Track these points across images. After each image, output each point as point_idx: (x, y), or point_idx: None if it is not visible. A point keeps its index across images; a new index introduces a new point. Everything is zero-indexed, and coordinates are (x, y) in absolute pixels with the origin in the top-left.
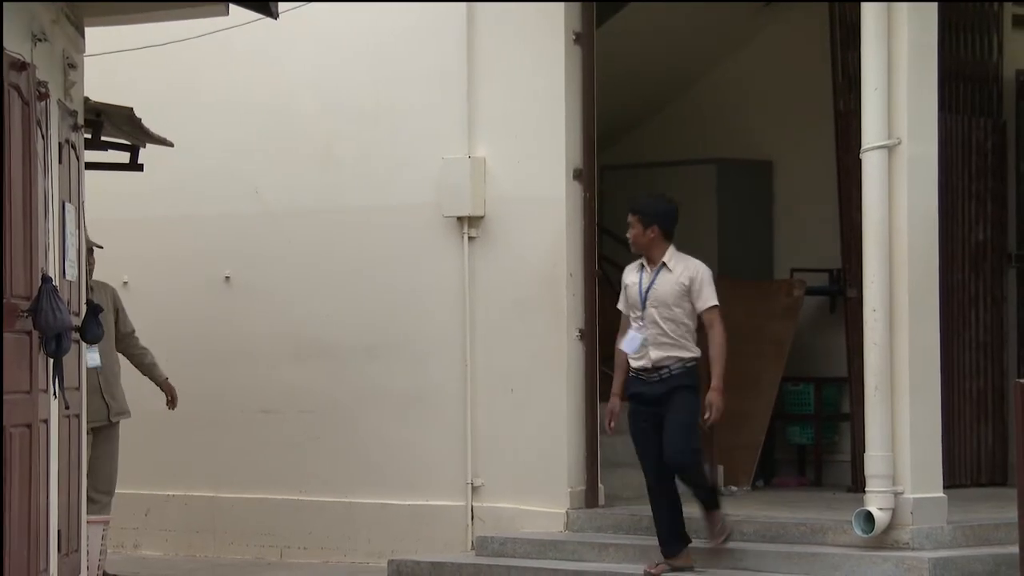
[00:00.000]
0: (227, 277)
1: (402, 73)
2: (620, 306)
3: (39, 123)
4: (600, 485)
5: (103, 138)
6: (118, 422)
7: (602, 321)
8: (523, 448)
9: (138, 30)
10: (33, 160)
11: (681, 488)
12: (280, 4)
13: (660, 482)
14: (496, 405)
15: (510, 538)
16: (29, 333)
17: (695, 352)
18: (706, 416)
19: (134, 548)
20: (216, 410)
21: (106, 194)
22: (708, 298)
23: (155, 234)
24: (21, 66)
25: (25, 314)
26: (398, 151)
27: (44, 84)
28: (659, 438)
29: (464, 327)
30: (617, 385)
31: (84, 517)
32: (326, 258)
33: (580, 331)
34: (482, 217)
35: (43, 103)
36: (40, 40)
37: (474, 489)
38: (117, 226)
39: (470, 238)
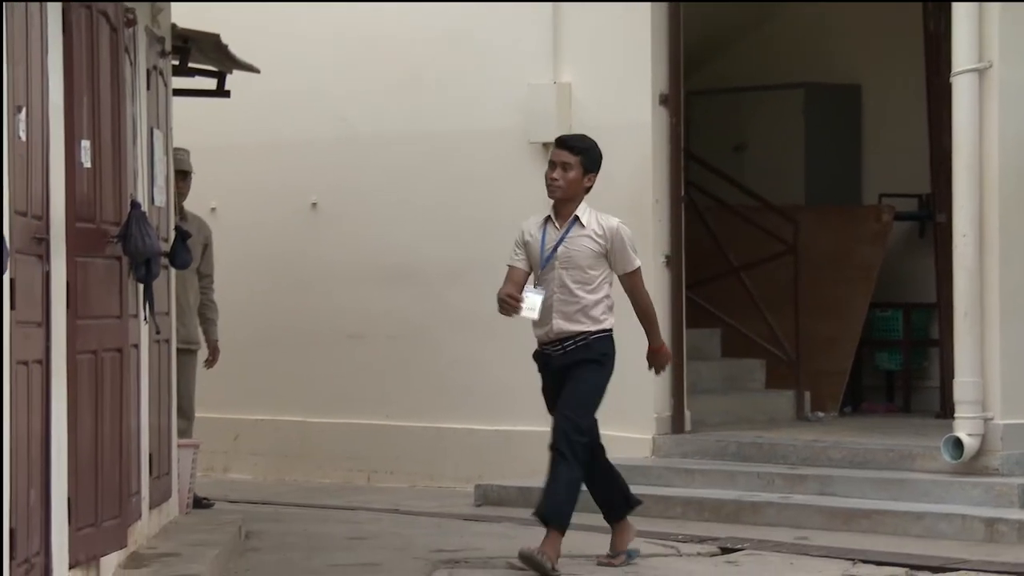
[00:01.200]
0: (314, 203)
1: None
2: (517, 263)
3: (127, 49)
4: (686, 411)
5: (190, 64)
6: (192, 351)
7: (688, 247)
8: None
9: None
10: (121, 86)
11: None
12: None
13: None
14: None
15: None
16: (119, 259)
17: (608, 324)
18: (652, 369)
19: (224, 472)
20: (304, 336)
21: (193, 121)
22: (631, 259)
23: (242, 161)
24: None
25: (115, 240)
26: (484, 77)
27: (132, 10)
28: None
29: None
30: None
31: (175, 441)
32: (412, 184)
33: (666, 257)
34: None
35: (131, 29)
36: None
37: None
38: (204, 153)
39: None
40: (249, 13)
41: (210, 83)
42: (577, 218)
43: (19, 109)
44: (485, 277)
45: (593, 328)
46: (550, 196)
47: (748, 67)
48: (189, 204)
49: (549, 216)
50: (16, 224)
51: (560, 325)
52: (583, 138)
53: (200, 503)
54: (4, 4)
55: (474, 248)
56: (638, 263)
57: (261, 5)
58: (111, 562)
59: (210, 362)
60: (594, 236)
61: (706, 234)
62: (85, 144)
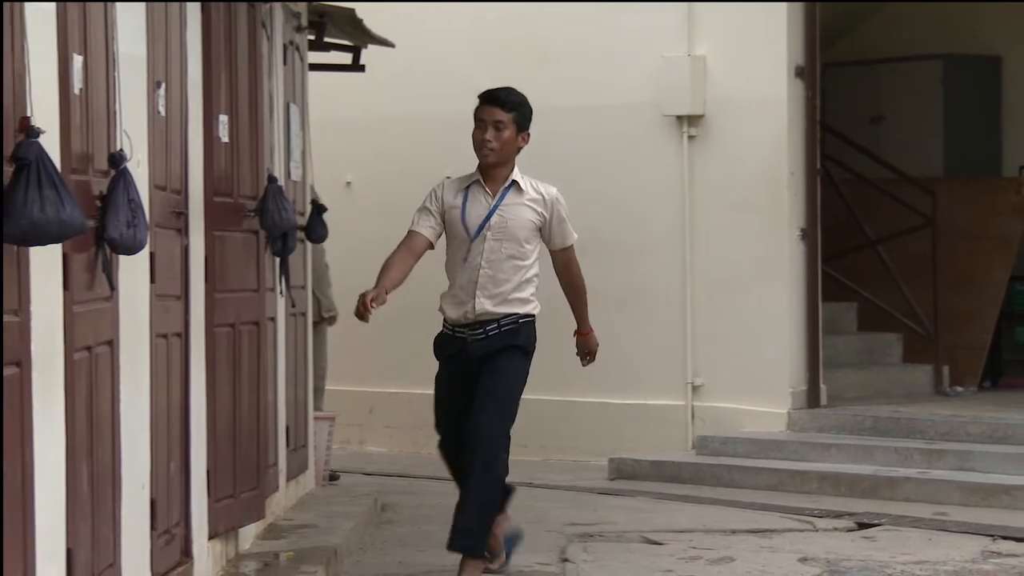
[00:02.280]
0: (447, 176)
1: None
2: (423, 229)
3: (264, 25)
4: (822, 385)
5: (326, 39)
6: (324, 320)
7: (824, 220)
8: (743, 348)
9: None
10: (258, 61)
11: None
12: None
13: (453, 441)
14: (715, 305)
15: (731, 438)
16: (256, 232)
17: (537, 308)
18: (585, 361)
19: (359, 444)
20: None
21: (329, 95)
22: (570, 231)
23: (376, 134)
24: None
25: (252, 214)
26: (617, 50)
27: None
28: (463, 411)
29: (683, 226)
30: (387, 280)
31: (311, 413)
32: (545, 158)
33: (802, 230)
34: (702, 116)
35: (267, 5)
36: None
37: (694, 389)
38: (340, 127)
39: (689, 137)
40: None
41: (345, 58)
42: (515, 183)
43: (159, 85)
44: (618, 251)
45: (522, 311)
46: (483, 161)
47: (885, 39)
48: (326, 179)
49: (475, 181)
50: (156, 198)
51: (484, 305)
52: (514, 92)
53: (330, 477)
54: None
55: (607, 222)
56: (575, 236)
57: None
58: (249, 533)
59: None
60: (532, 205)
61: (842, 207)
62: (223, 119)
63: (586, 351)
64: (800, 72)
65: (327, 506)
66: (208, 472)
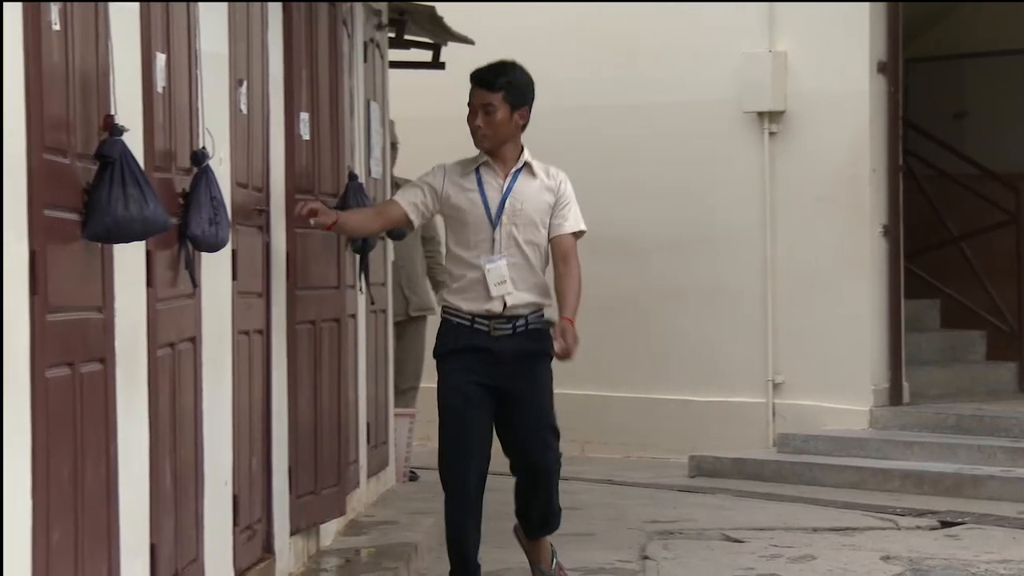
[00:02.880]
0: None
1: None
2: (403, 202)
3: (344, 22)
4: (904, 383)
5: (406, 37)
6: (421, 317)
7: (906, 217)
8: (824, 345)
9: None
10: (339, 59)
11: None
12: None
13: (473, 495)
14: (797, 301)
15: (812, 435)
16: None
17: (551, 301)
18: (559, 350)
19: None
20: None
21: (409, 92)
22: (578, 218)
23: (457, 133)
24: None
25: None
26: (698, 47)
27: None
28: (488, 425)
29: (764, 223)
30: (344, 213)
31: (392, 410)
32: (626, 155)
33: (884, 227)
34: (783, 112)
35: (348, 3)
36: None
37: (775, 386)
38: (420, 123)
39: (771, 133)
40: None
41: (425, 55)
42: (528, 165)
43: (240, 82)
44: (699, 248)
45: (545, 302)
46: (478, 147)
47: (968, 34)
48: (410, 176)
49: (484, 162)
50: (237, 196)
51: (516, 298)
52: (500, 68)
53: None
54: None
55: (687, 219)
56: (583, 225)
57: None
58: (330, 529)
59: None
60: (547, 186)
61: (925, 203)
62: (304, 116)
63: (566, 339)
64: (882, 67)
65: (408, 503)
66: (290, 469)
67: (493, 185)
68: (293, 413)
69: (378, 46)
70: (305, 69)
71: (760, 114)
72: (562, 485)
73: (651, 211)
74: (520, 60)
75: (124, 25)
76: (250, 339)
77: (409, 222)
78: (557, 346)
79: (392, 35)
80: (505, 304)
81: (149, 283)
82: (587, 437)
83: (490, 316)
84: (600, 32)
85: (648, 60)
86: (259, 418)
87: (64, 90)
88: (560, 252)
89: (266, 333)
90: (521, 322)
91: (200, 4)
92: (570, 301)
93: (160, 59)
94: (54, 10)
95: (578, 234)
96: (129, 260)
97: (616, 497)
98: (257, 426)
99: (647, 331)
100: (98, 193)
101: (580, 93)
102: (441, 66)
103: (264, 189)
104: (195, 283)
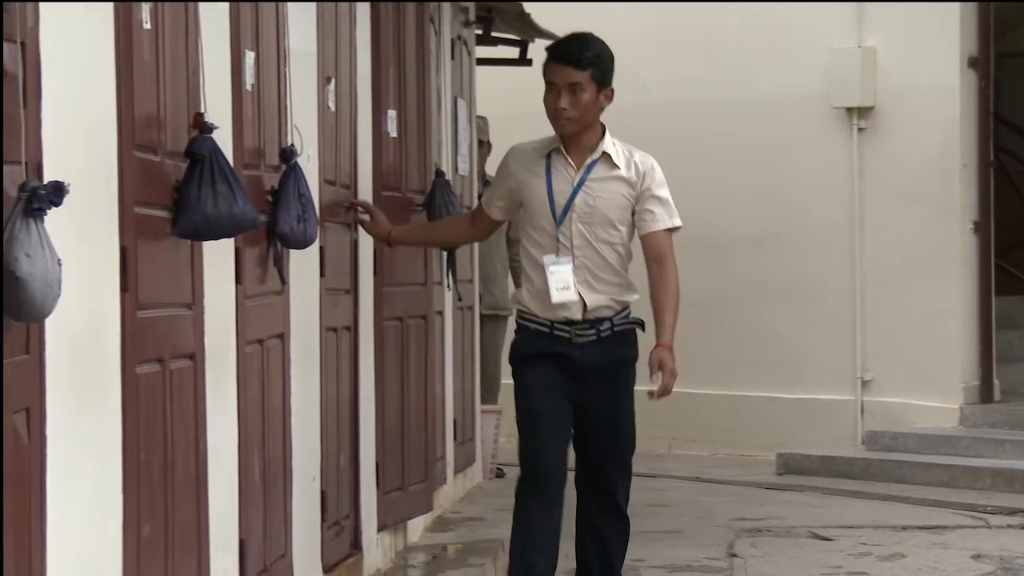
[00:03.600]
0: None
1: None
2: (493, 209)
3: (432, 20)
4: (995, 380)
5: (493, 34)
6: (497, 316)
7: (997, 213)
8: (914, 342)
9: None
10: (426, 57)
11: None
12: None
13: (554, 499)
14: (885, 298)
15: (901, 433)
16: None
17: (636, 292)
18: (655, 388)
19: None
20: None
21: (495, 89)
22: (670, 212)
23: (545, 129)
24: None
25: (420, 208)
26: (786, 42)
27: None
28: (567, 423)
29: (852, 219)
30: (400, 231)
31: (479, 407)
32: (713, 151)
33: (974, 223)
34: (872, 108)
35: (436, 1)
36: None
37: (863, 383)
38: (507, 121)
39: (859, 129)
40: None
41: (512, 52)
42: (606, 155)
43: (329, 80)
44: (785, 244)
45: (631, 297)
46: (560, 132)
47: None
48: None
49: (555, 148)
50: (325, 193)
51: (596, 301)
52: (586, 43)
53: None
54: None
55: (774, 215)
56: (678, 221)
57: None
58: (417, 525)
59: None
60: (626, 179)
61: (1017, 200)
62: (391, 114)
63: (659, 366)
64: (973, 63)
65: (494, 499)
66: (377, 464)
67: (564, 176)
68: (380, 409)
69: (465, 43)
70: (393, 67)
71: (849, 110)
72: (650, 482)
73: (737, 207)
74: None
75: (214, 23)
76: (338, 335)
77: (496, 224)
78: (655, 382)
79: (479, 32)
80: (585, 307)
81: (238, 280)
82: (674, 434)
83: (570, 322)
84: (685, 28)
85: (734, 56)
86: (347, 414)
87: (154, 88)
88: (652, 252)
89: (354, 329)
90: (606, 326)
91: (290, 3)
92: (667, 319)
93: (249, 57)
94: (145, 9)
95: (672, 230)
96: (218, 257)
97: (704, 494)
98: (345, 422)
99: (733, 328)
100: (188, 190)
101: (665, 90)
102: (528, 63)
103: (352, 186)
104: (284, 280)
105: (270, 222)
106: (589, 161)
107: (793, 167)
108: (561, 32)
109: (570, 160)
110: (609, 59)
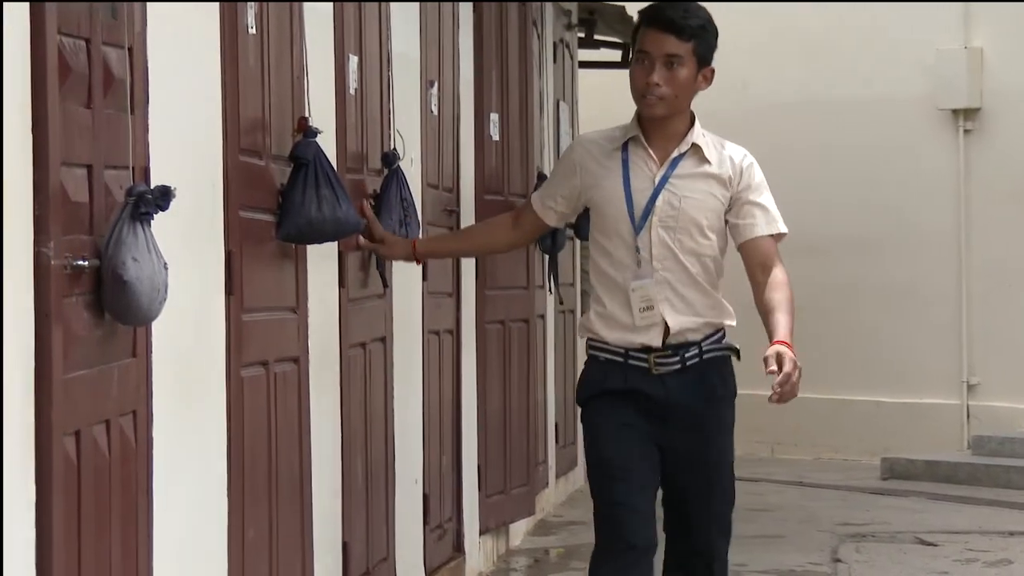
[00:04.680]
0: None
1: None
2: (546, 208)
3: (534, 23)
4: None
5: (596, 36)
6: None
7: None
8: (1022, 346)
9: None
10: (528, 59)
11: None
12: None
13: (642, 555)
14: (992, 301)
15: (1008, 438)
16: None
17: (732, 316)
18: (776, 387)
19: None
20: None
21: (598, 91)
22: (772, 215)
23: None
24: None
25: None
26: (889, 42)
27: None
28: (654, 475)
29: (958, 221)
30: (424, 244)
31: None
32: (814, 152)
33: None
34: (978, 109)
35: (538, 3)
36: None
37: (969, 387)
38: (610, 123)
39: (965, 131)
40: None
41: (615, 55)
42: (696, 148)
43: (431, 84)
44: (889, 246)
45: (724, 321)
46: (647, 112)
47: None
48: None
49: (632, 137)
50: (428, 196)
51: (679, 323)
52: (690, 9)
53: None
54: None
55: (878, 216)
56: (782, 226)
57: None
58: (519, 529)
59: None
60: (718, 176)
61: None
62: (494, 117)
63: (776, 359)
64: None
65: None
66: (479, 468)
67: (644, 172)
68: (483, 412)
69: (567, 46)
70: (495, 70)
71: (954, 111)
72: (752, 487)
73: (840, 210)
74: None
75: (318, 28)
76: (440, 339)
77: (543, 229)
78: (776, 382)
79: (582, 35)
80: (667, 331)
81: (341, 283)
82: (777, 438)
83: (649, 349)
84: (788, 26)
85: (837, 56)
86: (449, 417)
87: (259, 92)
88: (757, 260)
89: (456, 333)
90: (693, 351)
91: (393, 6)
92: (782, 319)
93: (353, 61)
94: (250, 14)
95: (778, 237)
96: (322, 261)
97: (807, 499)
98: (447, 425)
99: (836, 332)
100: (292, 194)
101: (766, 90)
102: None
103: (454, 190)
104: (386, 283)
105: None
106: (675, 154)
107: (897, 169)
108: None
109: (651, 152)
110: (714, 33)
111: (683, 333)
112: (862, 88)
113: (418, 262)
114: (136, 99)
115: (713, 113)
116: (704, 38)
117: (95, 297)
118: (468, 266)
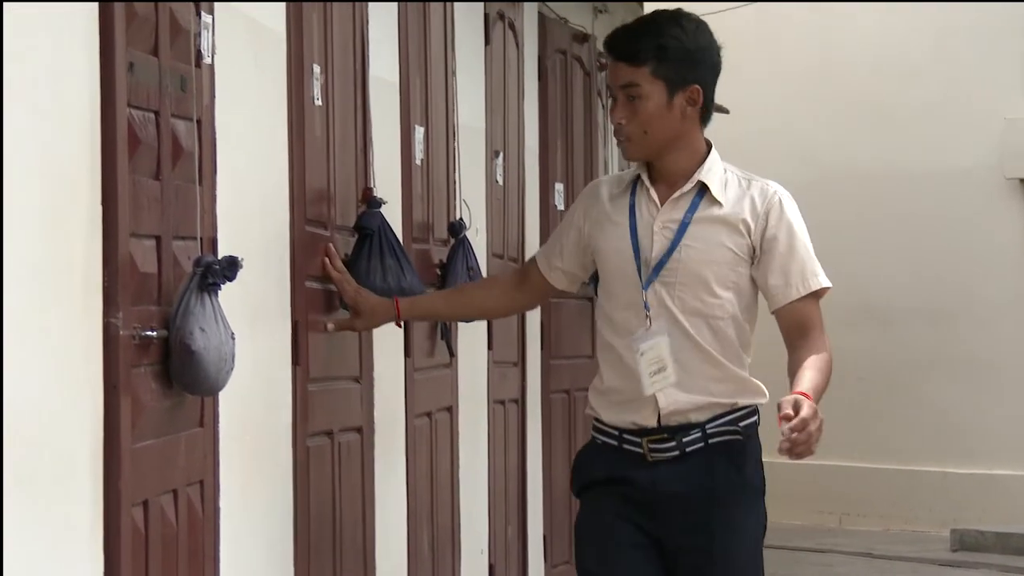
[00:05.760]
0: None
1: (959, 27)
2: (551, 268)
3: (599, 93)
4: None
5: None
6: None
7: None
8: None
9: None
10: (594, 130)
11: None
12: None
13: None
14: None
15: None
16: (590, 299)
17: (760, 394)
18: (788, 432)
19: None
20: (770, 375)
21: None
22: (810, 270)
23: None
24: (583, 38)
25: (587, 282)
26: (955, 111)
27: (604, 56)
28: None
29: None
30: (409, 306)
31: None
32: (879, 221)
33: None
34: None
35: (603, 73)
36: (601, 12)
37: None
38: None
39: None
40: None
41: None
42: (702, 187)
43: (497, 154)
44: (958, 317)
45: (741, 401)
46: (626, 157)
47: None
48: None
49: (636, 178)
50: (493, 265)
51: (672, 397)
52: (646, 27)
53: None
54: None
55: (946, 287)
56: (824, 277)
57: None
58: None
59: None
60: (731, 221)
61: None
62: (559, 187)
63: (793, 407)
64: None
65: None
66: (545, 538)
67: (645, 218)
68: (548, 482)
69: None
70: (560, 140)
71: (1023, 180)
72: (819, 557)
73: (908, 279)
74: (773, 127)
75: (384, 99)
76: (505, 408)
77: (549, 292)
78: (789, 426)
79: None
80: (659, 411)
81: (407, 353)
82: (845, 509)
83: (641, 431)
84: (856, 96)
85: (903, 123)
86: (514, 487)
87: (325, 163)
88: (793, 324)
89: (521, 402)
90: (695, 436)
91: (459, 79)
92: (810, 375)
93: (419, 132)
94: (316, 85)
95: (818, 293)
96: (387, 330)
97: (876, 571)
98: (513, 494)
99: (904, 402)
100: (357, 264)
101: (832, 159)
102: None
103: (519, 259)
104: (452, 353)
105: None
106: (676, 195)
107: (966, 238)
108: (729, 104)
109: (653, 194)
110: (686, 47)
111: (681, 413)
112: (931, 157)
113: (399, 324)
114: (204, 170)
115: (780, 179)
116: (664, 57)
117: (163, 367)
118: (533, 335)
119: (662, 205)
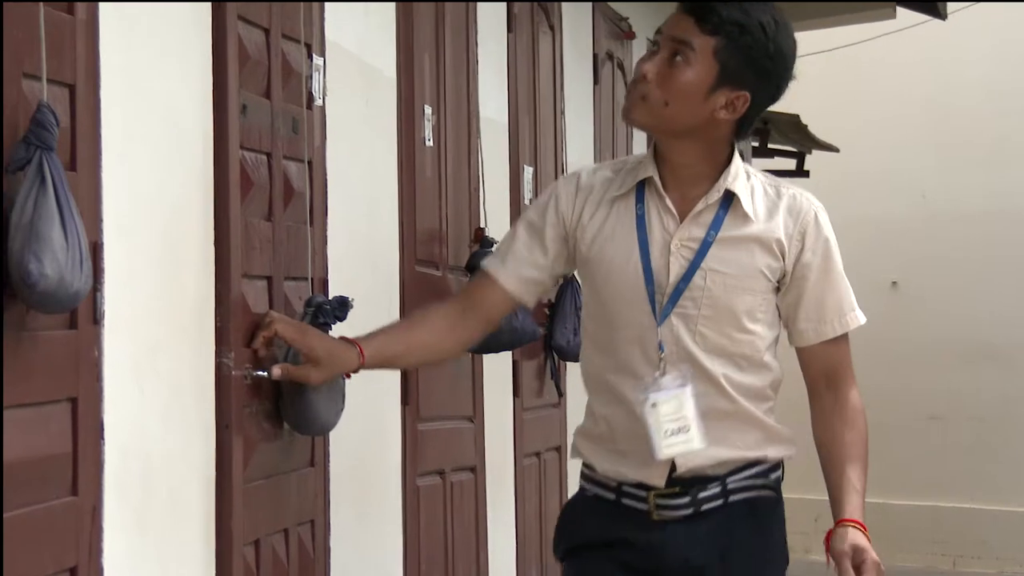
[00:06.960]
0: (894, 282)
1: None
2: (501, 272)
3: None
4: None
5: (769, 145)
6: None
7: None
8: None
9: (802, 37)
10: None
11: None
12: (949, 4)
13: None
14: None
15: None
16: None
17: (789, 443)
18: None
19: (804, 553)
20: (884, 415)
21: None
22: (842, 304)
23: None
24: None
25: None
26: None
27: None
28: None
29: None
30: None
31: None
32: (994, 261)
33: None
34: None
35: None
36: None
37: None
38: None
39: None
40: (825, 95)
41: (789, 163)
42: (730, 195)
43: None
44: None
45: (771, 453)
46: (623, 116)
47: None
48: None
49: (646, 179)
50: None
51: (693, 451)
52: (745, 5)
53: None
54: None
55: None
56: (859, 315)
57: (834, 83)
58: None
59: None
60: (763, 240)
61: None
62: None
63: (857, 561)
64: None
65: None
66: None
67: (658, 232)
68: None
69: (742, 155)
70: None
71: None
72: None
73: (1022, 317)
74: (884, 167)
75: (494, 140)
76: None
77: (513, 307)
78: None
79: (756, 144)
80: (674, 467)
81: (516, 393)
82: (959, 551)
83: (647, 486)
84: (965, 135)
85: (1016, 162)
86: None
87: (436, 204)
88: (822, 368)
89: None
90: (713, 490)
91: (568, 119)
92: (855, 483)
93: (528, 172)
94: (427, 127)
95: (846, 334)
96: (497, 370)
97: None
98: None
99: (1020, 440)
100: None
101: (946, 197)
102: (805, 174)
103: None
104: (560, 392)
105: (547, 335)
106: (700, 207)
107: None
108: (839, 143)
109: (669, 203)
110: (763, 48)
111: (698, 469)
112: None
113: (350, 375)
114: (315, 211)
115: (892, 222)
116: (739, 42)
117: (274, 407)
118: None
119: (680, 217)
